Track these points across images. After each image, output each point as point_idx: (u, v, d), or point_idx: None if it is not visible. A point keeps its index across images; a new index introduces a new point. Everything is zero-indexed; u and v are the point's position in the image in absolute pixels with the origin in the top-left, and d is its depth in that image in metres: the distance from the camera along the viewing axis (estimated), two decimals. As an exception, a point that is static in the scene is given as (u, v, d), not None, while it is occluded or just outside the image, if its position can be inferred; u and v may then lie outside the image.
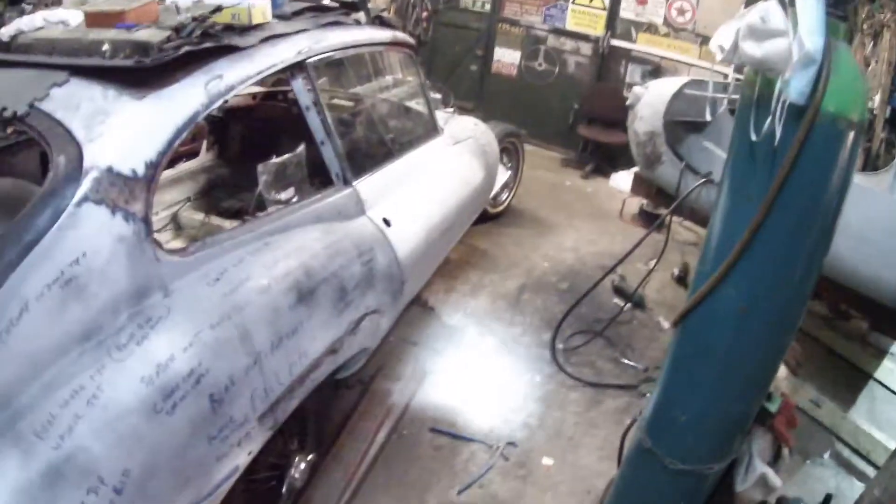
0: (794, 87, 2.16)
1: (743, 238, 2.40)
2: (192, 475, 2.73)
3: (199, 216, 4.77)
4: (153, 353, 2.62)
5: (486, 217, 7.11)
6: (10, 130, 4.48)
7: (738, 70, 8.32)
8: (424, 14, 11.51)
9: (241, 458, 2.99)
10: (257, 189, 4.05)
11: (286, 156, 4.14)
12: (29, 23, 3.50)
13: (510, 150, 7.79)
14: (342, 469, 4.13)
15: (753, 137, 2.33)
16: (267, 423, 3.10)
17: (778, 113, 2.22)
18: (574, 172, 10.37)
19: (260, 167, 3.99)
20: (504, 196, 8.22)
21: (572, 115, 10.54)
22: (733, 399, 2.82)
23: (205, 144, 5.75)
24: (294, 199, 4.09)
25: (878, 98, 7.15)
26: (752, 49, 2.24)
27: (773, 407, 3.03)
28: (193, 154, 5.67)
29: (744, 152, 2.47)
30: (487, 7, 11.40)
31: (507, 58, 11.34)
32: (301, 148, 4.23)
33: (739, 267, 2.47)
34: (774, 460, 3.14)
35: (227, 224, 4.14)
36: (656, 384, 3.12)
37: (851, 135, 2.27)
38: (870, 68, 7.20)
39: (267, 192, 4.03)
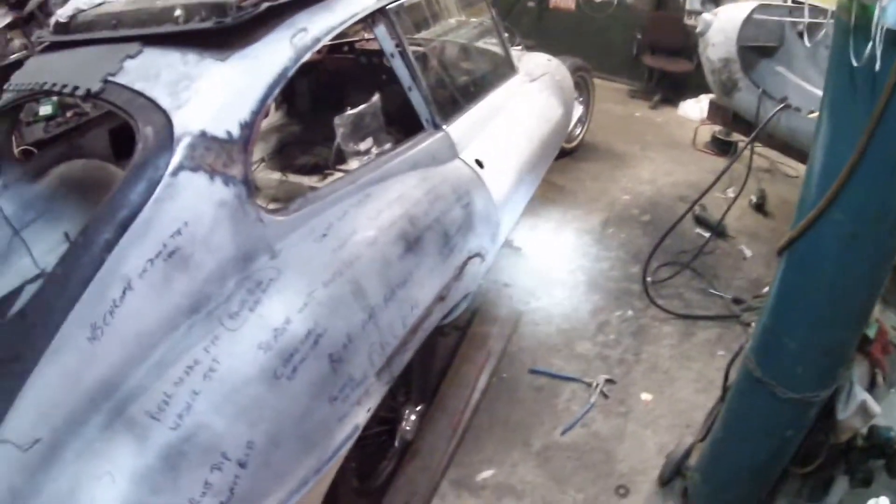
0: (892, 13, 2.10)
1: (849, 162, 2.33)
2: (315, 439, 2.70)
3: (276, 175, 4.72)
4: (268, 318, 2.57)
5: (563, 153, 7.00)
6: (69, 114, 4.48)
7: (805, -8, 8.20)
8: (478, -47, 11.37)
9: (361, 416, 2.95)
10: (335, 142, 4.04)
11: (362, 106, 4.11)
12: (86, 0, 3.40)
13: (580, 85, 7.68)
14: (447, 417, 4.14)
15: (854, 64, 2.25)
16: (384, 377, 3.07)
17: (877, 39, 2.15)
18: (642, 103, 10.23)
19: (337, 119, 3.97)
20: (578, 131, 8.14)
21: (635, 45, 10.30)
22: (840, 325, 2.78)
23: (273, 103, 5.68)
24: (373, 149, 4.06)
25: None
26: None
27: (871, 333, 3.01)
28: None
29: (843, 79, 2.38)
30: (542, -60, 11.15)
31: (565, -9, 11.11)
32: (376, 97, 4.19)
33: (846, 191, 2.40)
34: (870, 388, 3.10)
35: (306, 180, 4.11)
36: (759, 313, 3.07)
37: None
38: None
39: (345, 144, 4.03)
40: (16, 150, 3.83)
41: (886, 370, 3.19)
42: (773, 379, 2.90)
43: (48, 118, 4.54)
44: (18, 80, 3.19)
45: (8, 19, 5.85)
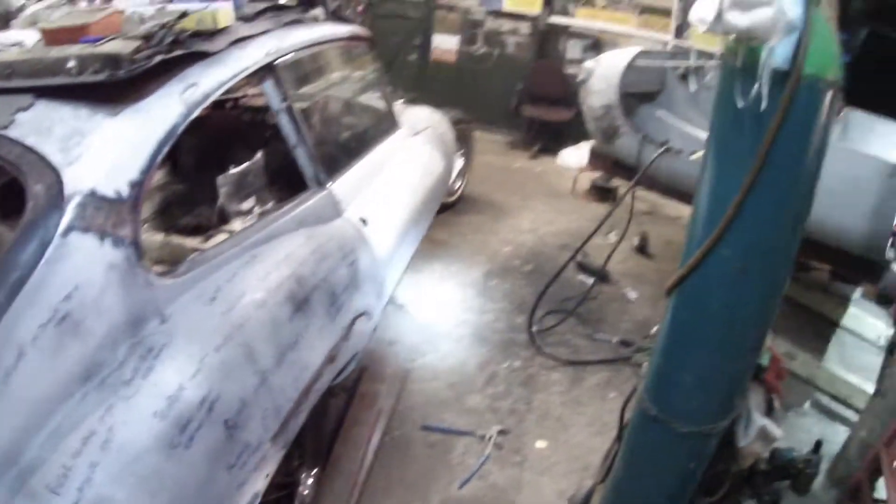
0: (779, 53, 2.21)
1: (736, 199, 2.41)
2: None
3: (159, 236, 4.59)
4: (162, 385, 2.51)
5: (444, 207, 7.03)
6: None
7: (678, 36, 8.44)
8: (360, 7, 11.43)
9: (260, 483, 2.91)
10: (218, 202, 3.98)
11: (244, 165, 4.07)
12: None
13: (460, 137, 7.70)
14: (343, 478, 4.07)
15: (740, 104, 2.34)
16: (280, 442, 3.02)
17: (764, 79, 2.24)
18: (522, 154, 10.40)
19: (220, 179, 3.92)
20: (458, 184, 8.20)
21: (515, 96, 10.44)
22: (733, 357, 2.83)
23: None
24: (255, 208, 4.03)
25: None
26: (738, 19, 2.26)
27: (764, 361, 3.11)
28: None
29: (729, 119, 2.47)
30: (424, -6, 11.34)
31: (445, 44, 11.27)
32: (258, 155, 4.17)
33: (733, 228, 2.47)
34: (768, 413, 3.18)
35: (189, 241, 3.99)
36: (650, 353, 3.13)
37: (830, 94, 2.32)
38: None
39: (228, 203, 3.97)
40: None
41: (782, 395, 3.29)
42: (669, 415, 2.93)
43: None
44: None
45: None
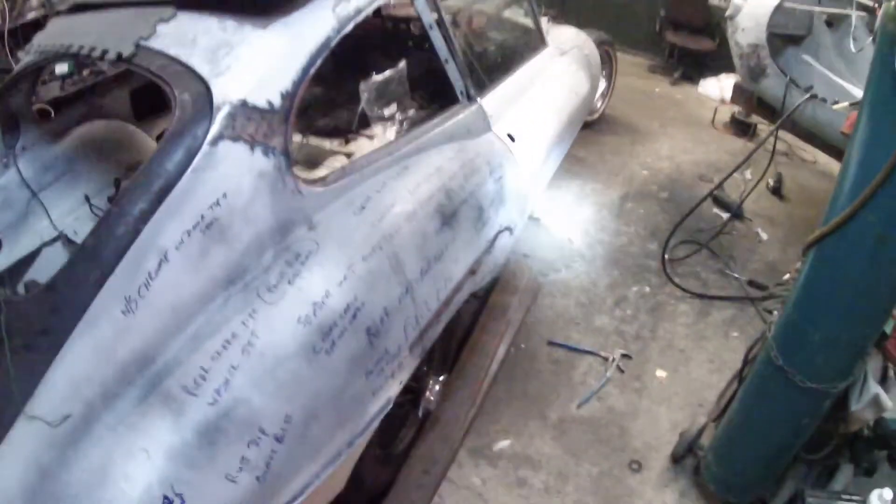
0: None
1: (886, 166, 2.39)
2: (350, 413, 2.70)
3: (296, 138, 4.57)
4: (307, 291, 2.54)
5: (584, 124, 6.96)
6: (86, 72, 4.45)
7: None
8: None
9: (394, 389, 2.96)
10: (359, 106, 4.02)
11: (388, 72, 4.07)
12: None
13: (604, 59, 7.60)
14: (467, 386, 4.15)
15: None
16: (416, 351, 3.07)
17: None
18: (663, 79, 10.23)
19: (362, 84, 3.94)
20: (599, 104, 8.15)
21: (658, 21, 10.27)
22: (862, 322, 2.86)
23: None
24: (397, 115, 4.06)
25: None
26: None
27: (888, 329, 3.05)
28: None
29: (885, 84, 2.46)
30: None
31: (590, -38, 11.04)
32: (402, 64, 4.16)
33: (881, 194, 2.46)
34: (882, 381, 3.16)
35: (327, 143, 4.08)
36: (781, 303, 3.13)
37: None
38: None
39: (370, 108, 4.01)
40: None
41: (901, 365, 3.27)
42: (794, 367, 2.97)
43: (64, 77, 4.52)
44: (43, 41, 3.13)
45: None
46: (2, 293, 2.50)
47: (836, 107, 5.68)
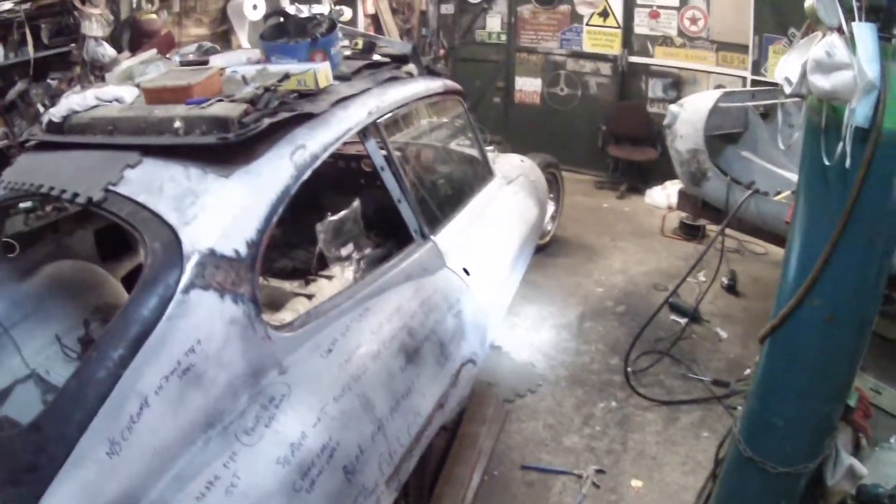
0: (860, 112, 2.35)
1: (825, 251, 2.55)
2: None
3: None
4: (284, 433, 2.63)
5: (536, 249, 6.98)
6: (49, 208, 4.52)
7: (755, 72, 8.46)
8: (442, 52, 11.60)
9: None
10: (317, 247, 4.09)
11: (343, 212, 4.16)
12: (81, 102, 3.40)
13: (550, 181, 7.77)
14: (444, 517, 4.15)
15: (826, 162, 2.46)
16: (393, 485, 3.14)
17: (847, 138, 2.37)
18: (609, 193, 10.43)
19: (318, 226, 4.02)
20: (549, 227, 8.27)
21: (600, 136, 10.58)
22: (824, 400, 2.96)
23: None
24: (353, 254, 4.13)
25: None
26: (821, 81, 2.40)
27: (852, 401, 3.16)
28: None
29: (816, 174, 2.62)
30: (504, 38, 11.49)
31: (528, 86, 11.42)
32: (356, 203, 4.26)
33: (823, 278, 2.61)
34: (855, 451, 3.28)
35: (287, 285, 4.15)
36: (744, 397, 3.23)
37: None
38: None
39: (327, 249, 4.08)
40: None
41: (869, 433, 3.41)
42: (763, 456, 3.05)
43: (28, 211, 4.58)
44: (11, 178, 3.21)
45: None
46: None
47: (777, 197, 5.86)
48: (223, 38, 8.18)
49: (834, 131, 2.44)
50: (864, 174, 2.39)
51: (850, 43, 2.32)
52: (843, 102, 2.37)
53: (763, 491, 3.17)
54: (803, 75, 2.48)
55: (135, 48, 6.83)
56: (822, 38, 2.40)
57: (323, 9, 4.35)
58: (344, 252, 4.17)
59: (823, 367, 2.85)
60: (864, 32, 2.31)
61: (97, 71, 6.42)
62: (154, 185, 2.79)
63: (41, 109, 5.88)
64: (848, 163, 2.40)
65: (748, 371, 4.29)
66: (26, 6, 5.84)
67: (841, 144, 2.39)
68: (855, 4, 2.34)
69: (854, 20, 2.33)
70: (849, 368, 2.91)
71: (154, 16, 7.17)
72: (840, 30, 2.34)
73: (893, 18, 2.42)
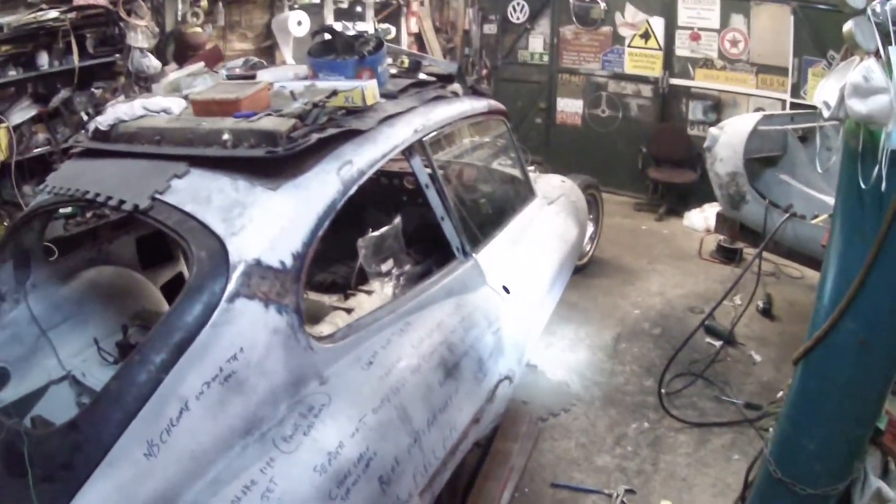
0: None
1: (860, 274, 2.58)
2: None
3: None
4: (322, 442, 2.70)
5: (574, 269, 7.03)
6: (89, 215, 4.60)
7: (794, 95, 8.45)
8: (484, 72, 11.69)
9: None
10: (357, 262, 4.15)
11: (384, 228, 4.20)
12: (128, 111, 3.50)
13: (590, 202, 7.81)
14: (475, 532, 4.18)
15: (863, 185, 2.50)
16: (426, 497, 3.19)
17: (884, 162, 2.40)
18: (648, 215, 10.44)
19: (360, 241, 4.07)
20: (588, 247, 8.30)
21: (640, 158, 10.60)
22: (854, 424, 2.97)
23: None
24: (394, 270, 4.18)
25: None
26: (858, 106, 2.43)
27: (882, 424, 3.16)
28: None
29: (853, 198, 2.65)
30: (546, 59, 11.54)
31: (570, 107, 11.45)
32: (397, 220, 4.29)
33: (858, 301, 2.63)
34: (884, 475, 3.26)
35: (326, 299, 4.21)
36: (775, 419, 3.25)
37: None
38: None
39: (368, 265, 4.12)
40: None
41: (899, 456, 3.37)
42: (792, 478, 3.07)
43: (67, 217, 4.65)
44: (57, 182, 3.31)
45: (32, 112, 6.07)
46: (20, 425, 2.62)
47: (814, 221, 5.86)
48: (267, 53, 8.31)
49: (870, 155, 2.47)
50: (901, 200, 2.44)
51: (888, 67, 2.36)
52: (880, 127, 2.40)
53: (792, 512, 3.20)
54: (841, 99, 2.51)
55: (180, 61, 6.96)
56: (860, 63, 2.44)
57: (368, 27, 4.42)
58: (384, 268, 4.19)
59: (855, 391, 2.87)
60: (899, 56, 2.36)
61: (141, 82, 6.57)
62: (201, 195, 2.88)
63: (84, 118, 6.04)
64: (884, 186, 2.43)
65: (780, 394, 4.31)
66: (71, 15, 5.94)
67: (877, 168, 2.43)
68: (892, 29, 2.38)
69: (891, 44, 2.38)
70: (880, 392, 2.93)
71: (199, 29, 7.32)
72: (878, 54, 2.39)
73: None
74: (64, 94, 6.20)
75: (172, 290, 4.36)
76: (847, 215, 2.74)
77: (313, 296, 4.39)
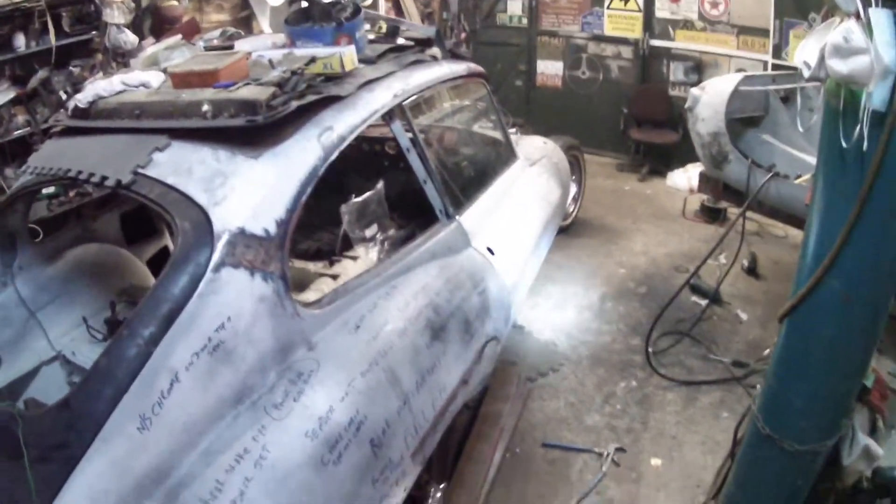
0: (877, 96, 2.38)
1: (843, 232, 2.59)
2: None
3: None
4: (312, 407, 2.70)
5: (558, 230, 7.00)
6: (72, 194, 4.58)
7: (776, 56, 8.45)
8: (463, 35, 11.64)
9: (399, 496, 3.09)
10: (341, 228, 4.16)
11: (367, 194, 4.21)
12: (107, 87, 3.47)
13: (572, 163, 7.76)
14: (466, 493, 4.21)
15: (844, 145, 2.51)
16: (418, 458, 3.21)
17: (865, 121, 2.41)
18: (631, 176, 10.43)
19: (343, 207, 4.08)
20: (572, 208, 8.31)
21: (622, 119, 10.49)
22: (840, 380, 3.00)
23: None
24: (378, 235, 4.19)
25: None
26: (839, 66, 2.44)
27: (869, 382, 3.22)
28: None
29: (834, 157, 2.66)
30: (525, 21, 11.50)
31: (550, 69, 11.43)
32: (380, 184, 4.31)
33: (841, 259, 2.65)
34: (872, 432, 3.32)
35: (311, 266, 4.22)
36: (763, 376, 3.28)
37: None
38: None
39: (351, 231, 4.14)
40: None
41: (886, 414, 3.43)
42: (780, 434, 3.10)
43: (50, 197, 4.61)
44: (39, 163, 3.29)
45: (11, 94, 6.03)
46: (13, 408, 2.61)
47: (798, 181, 5.87)
48: (244, 23, 8.25)
49: (851, 115, 2.47)
50: (881, 156, 2.44)
51: (868, 28, 2.37)
52: (861, 86, 2.41)
53: (780, 469, 3.22)
54: (821, 60, 2.52)
55: (157, 35, 6.93)
56: (840, 24, 2.44)
57: (345, -8, 4.40)
58: (368, 233, 4.20)
59: (840, 347, 2.89)
60: (882, 17, 2.35)
61: (119, 58, 6.52)
62: (183, 167, 2.87)
63: (63, 97, 5.99)
64: (865, 145, 2.44)
65: (767, 351, 4.34)
66: (46, -7, 5.89)
67: (858, 127, 2.44)
68: (872, -10, 2.39)
69: (871, 5, 2.38)
70: (865, 348, 2.96)
71: (175, 2, 7.27)
72: (857, 15, 2.39)
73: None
74: (42, 74, 6.15)
75: (158, 264, 4.35)
76: (829, 174, 2.75)
77: (298, 264, 4.37)
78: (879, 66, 2.32)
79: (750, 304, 6.67)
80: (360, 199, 4.17)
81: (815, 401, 3.02)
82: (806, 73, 2.62)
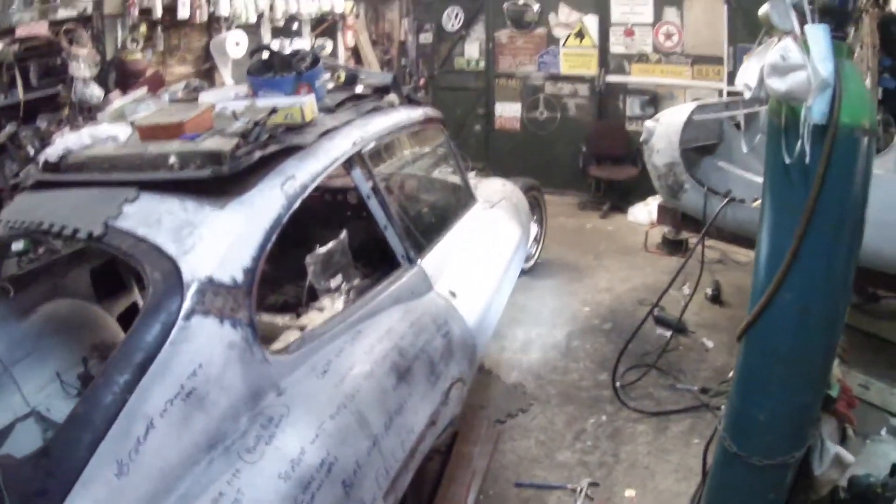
0: (816, 110, 2.50)
1: (792, 246, 2.68)
2: None
3: None
4: (284, 450, 2.73)
5: (521, 272, 7.06)
6: (41, 250, 4.59)
7: (731, 83, 8.56)
8: (422, 81, 11.73)
9: None
10: (306, 280, 4.18)
11: (331, 244, 4.25)
12: (77, 141, 3.53)
13: (533, 204, 7.87)
14: (442, 537, 4.21)
15: (787, 160, 2.60)
16: (390, 499, 3.23)
17: (806, 135, 2.51)
18: (592, 213, 10.54)
19: (308, 258, 4.10)
20: (534, 249, 8.34)
21: (581, 157, 10.64)
22: (801, 391, 3.06)
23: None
24: (343, 286, 4.22)
25: (868, 81, 7.27)
26: (778, 84, 2.55)
27: (833, 392, 3.30)
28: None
29: (779, 173, 2.78)
30: (482, 64, 11.67)
31: (508, 111, 11.58)
32: (343, 234, 4.34)
33: (793, 272, 2.74)
34: (842, 441, 3.38)
35: (279, 319, 4.22)
36: (727, 396, 3.33)
37: (866, 139, 2.62)
38: (856, 54, 7.32)
39: (317, 282, 4.16)
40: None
41: (855, 423, 3.50)
42: (747, 451, 3.15)
43: (20, 254, 4.62)
44: (11, 216, 3.32)
45: None
46: None
47: (754, 204, 5.94)
48: (207, 75, 8.31)
49: (793, 130, 2.58)
50: (824, 169, 2.53)
51: (804, 45, 2.45)
52: (800, 102, 2.51)
53: (751, 485, 3.26)
54: (761, 80, 2.61)
55: (122, 88, 6.91)
56: (777, 43, 2.53)
57: (305, 43, 4.45)
58: (333, 283, 4.21)
59: (799, 359, 2.95)
60: (817, 33, 2.46)
61: (86, 112, 6.51)
62: (152, 218, 2.93)
63: (32, 152, 5.95)
64: (808, 159, 2.53)
65: (731, 373, 4.39)
66: (14, 47, 5.94)
67: (800, 142, 2.53)
68: (807, 8, 2.48)
69: (807, 23, 2.47)
70: (824, 358, 3.03)
71: (139, 55, 7.30)
72: (794, 34, 2.47)
73: (845, 18, 2.56)
74: (9, 129, 6.16)
75: (128, 320, 4.34)
76: (775, 191, 2.86)
77: (266, 317, 4.35)
78: (817, 80, 2.42)
79: (716, 332, 6.73)
80: (324, 249, 4.19)
81: (778, 414, 3.08)
82: (747, 95, 2.72)
